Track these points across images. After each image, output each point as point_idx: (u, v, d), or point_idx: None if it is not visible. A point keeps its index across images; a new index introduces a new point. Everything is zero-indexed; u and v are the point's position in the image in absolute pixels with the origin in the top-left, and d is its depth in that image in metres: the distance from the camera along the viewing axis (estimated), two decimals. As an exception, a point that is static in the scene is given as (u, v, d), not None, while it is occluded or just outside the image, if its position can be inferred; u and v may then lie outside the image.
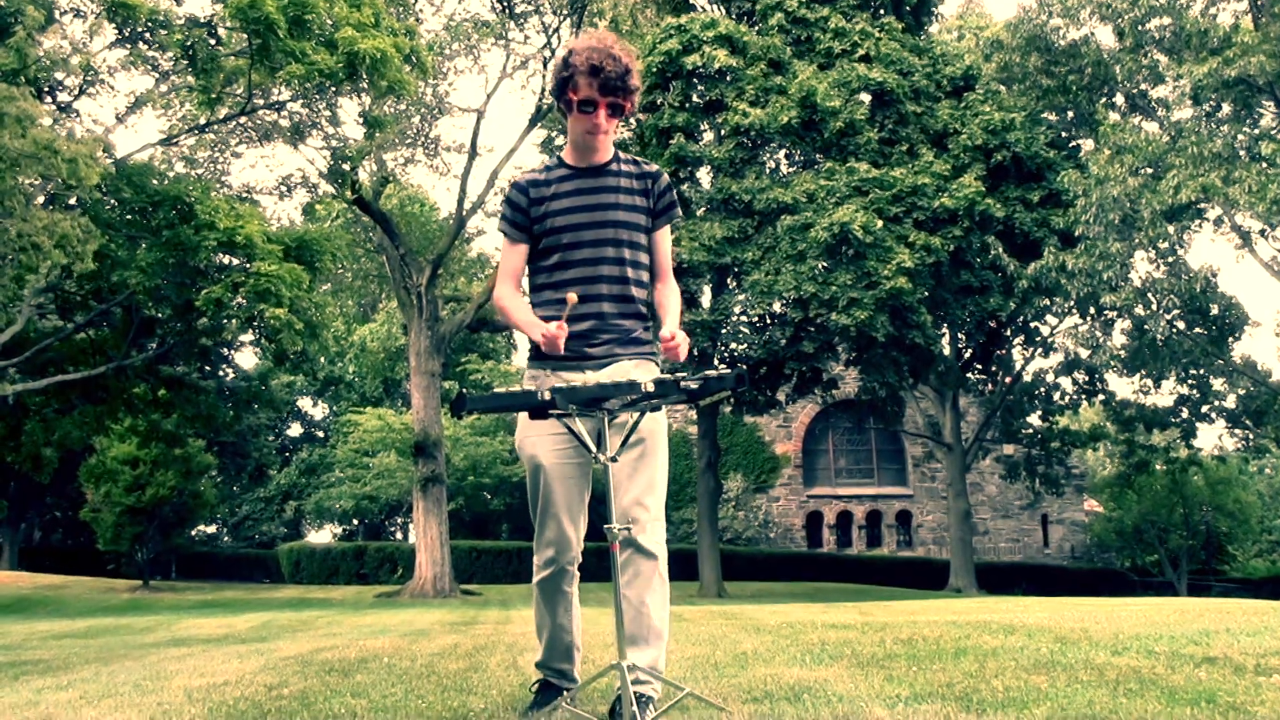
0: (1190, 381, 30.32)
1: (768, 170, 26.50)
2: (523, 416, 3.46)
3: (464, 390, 3.17)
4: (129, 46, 20.38)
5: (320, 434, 52.23)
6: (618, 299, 3.49)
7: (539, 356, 3.48)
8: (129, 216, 20.78)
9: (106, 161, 18.29)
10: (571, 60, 3.28)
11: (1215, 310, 27.18)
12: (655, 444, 3.43)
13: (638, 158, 3.59)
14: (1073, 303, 27.20)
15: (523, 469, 33.68)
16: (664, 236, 3.64)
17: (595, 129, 3.36)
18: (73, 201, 17.47)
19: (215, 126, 22.90)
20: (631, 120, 26.70)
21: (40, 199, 18.15)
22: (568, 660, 3.62)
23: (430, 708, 3.62)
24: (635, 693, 3.68)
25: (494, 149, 52.58)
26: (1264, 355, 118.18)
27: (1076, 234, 24.39)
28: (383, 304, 45.88)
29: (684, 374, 3.17)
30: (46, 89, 20.45)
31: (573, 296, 3.25)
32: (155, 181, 20.72)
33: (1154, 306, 25.82)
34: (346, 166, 23.56)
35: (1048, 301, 27.50)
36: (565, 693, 3.54)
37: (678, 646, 5.43)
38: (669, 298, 3.60)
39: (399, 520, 50.92)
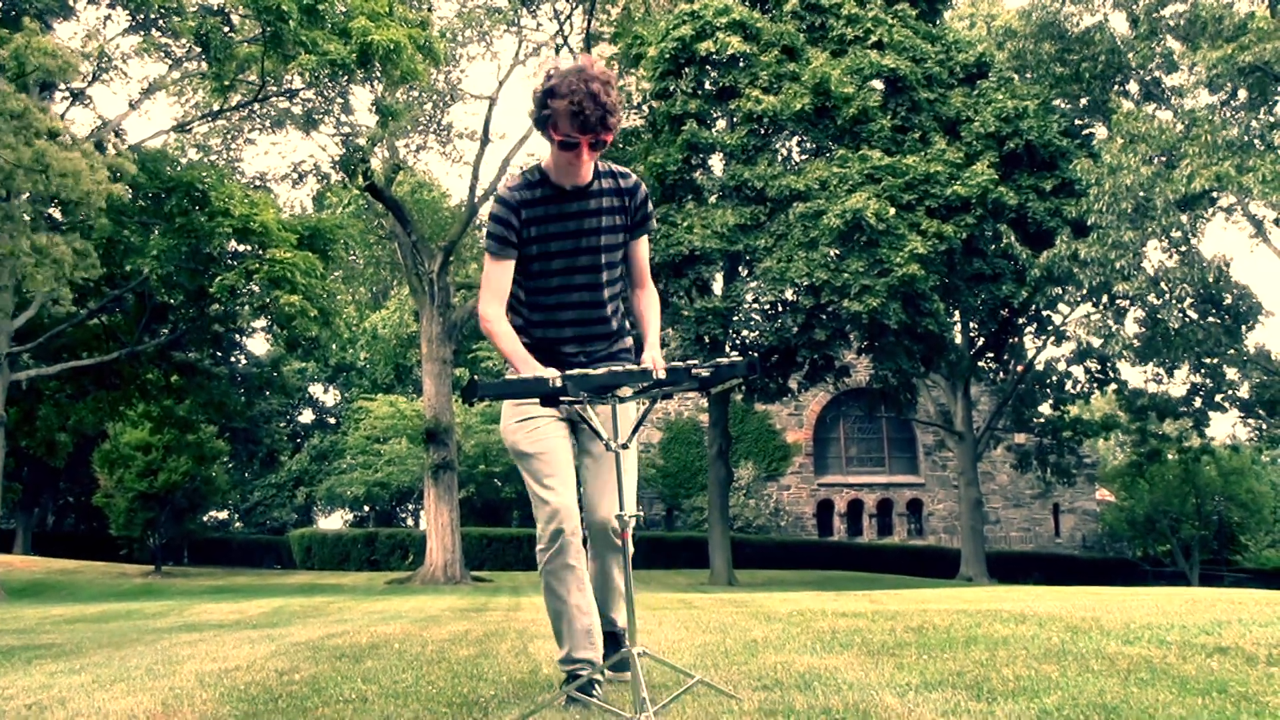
0: (1203, 371, 30.17)
1: (780, 157, 26.43)
2: (506, 411, 3.58)
3: (475, 377, 3.16)
4: (142, 33, 20.40)
5: (332, 420, 52.43)
6: (594, 320, 3.65)
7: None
8: (141, 203, 20.83)
9: (126, 163, 18.24)
10: (551, 103, 3.31)
11: (1229, 299, 27.00)
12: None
13: (615, 168, 3.64)
14: (1085, 291, 27.07)
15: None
16: (642, 245, 3.75)
17: (577, 161, 3.42)
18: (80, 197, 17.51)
19: (228, 113, 22.94)
20: (644, 107, 26.65)
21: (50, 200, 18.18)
22: (589, 647, 3.50)
23: (441, 694, 3.63)
24: (610, 633, 3.81)
25: (506, 135, 51.86)
26: (1278, 345, 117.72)
27: (1089, 222, 24.29)
28: (394, 291, 45.95)
29: (696, 361, 3.17)
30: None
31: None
32: (168, 168, 20.76)
33: (1167, 295, 25.70)
34: (359, 154, 23.57)
35: (1060, 290, 27.39)
36: (596, 685, 3.40)
37: (688, 634, 5.43)
38: (649, 307, 3.74)
39: (410, 507, 51.12)
